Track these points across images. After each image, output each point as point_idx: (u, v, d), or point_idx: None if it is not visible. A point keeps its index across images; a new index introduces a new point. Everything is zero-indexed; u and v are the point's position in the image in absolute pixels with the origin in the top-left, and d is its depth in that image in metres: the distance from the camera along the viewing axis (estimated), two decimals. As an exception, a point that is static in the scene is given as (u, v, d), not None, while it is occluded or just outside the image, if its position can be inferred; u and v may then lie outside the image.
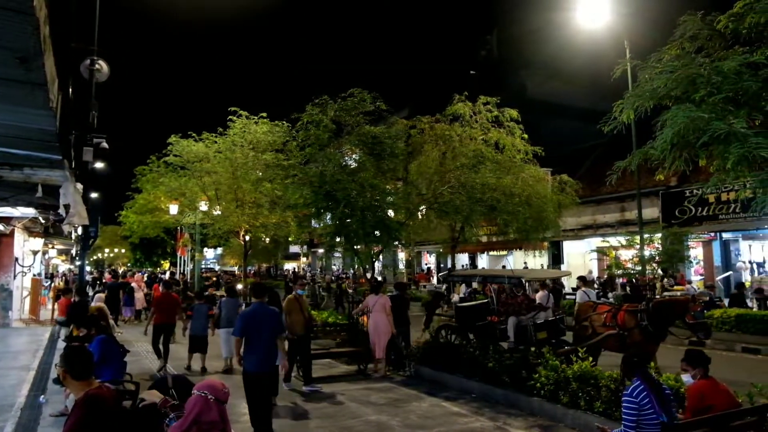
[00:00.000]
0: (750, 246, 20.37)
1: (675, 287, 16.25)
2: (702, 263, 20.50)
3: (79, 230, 13.28)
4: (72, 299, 12.82)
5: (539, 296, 11.00)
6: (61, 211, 8.35)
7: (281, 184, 16.07)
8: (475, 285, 16.70)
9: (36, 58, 4.35)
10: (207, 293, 14.49)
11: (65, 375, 3.41)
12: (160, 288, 17.49)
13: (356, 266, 18.33)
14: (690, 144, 5.49)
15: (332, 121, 13.08)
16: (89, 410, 3.30)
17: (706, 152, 5.63)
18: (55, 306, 19.26)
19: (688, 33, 6.12)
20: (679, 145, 5.58)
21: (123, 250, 59.77)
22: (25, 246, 18.29)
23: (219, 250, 49.83)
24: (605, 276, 21.71)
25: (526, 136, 15.98)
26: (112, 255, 65.65)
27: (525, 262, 25.72)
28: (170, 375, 3.94)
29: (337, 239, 13.41)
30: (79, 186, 10.53)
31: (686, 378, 4.83)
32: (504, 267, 25.12)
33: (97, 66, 10.12)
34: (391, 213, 13.51)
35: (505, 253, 27.65)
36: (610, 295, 17.98)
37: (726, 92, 5.28)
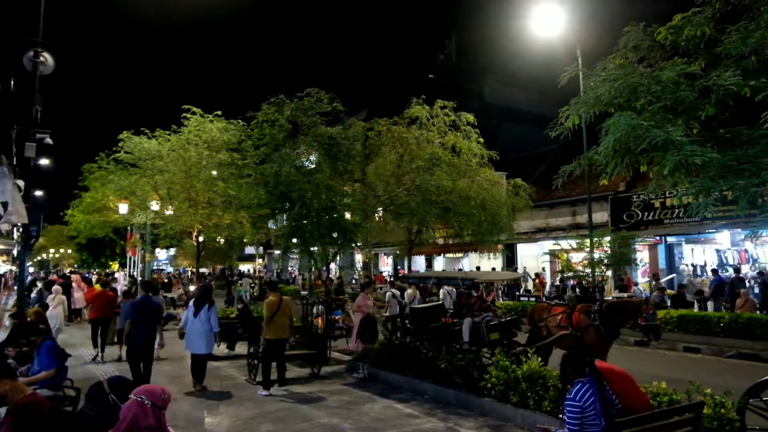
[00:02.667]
0: (692, 249, 21.28)
1: (667, 291, 16.63)
2: (648, 266, 21.27)
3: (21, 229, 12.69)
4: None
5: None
6: (-1, 209, 7.96)
7: (235, 183, 15.78)
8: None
9: (-33, 47, 4.13)
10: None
11: None
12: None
13: (312, 268, 18.09)
14: (631, 150, 5.69)
15: (288, 121, 12.93)
16: (21, 417, 3.18)
17: (647, 158, 5.84)
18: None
19: (631, 43, 6.34)
20: (620, 152, 5.76)
21: (69, 251, 57.44)
22: (-39, 246, 17.40)
23: (172, 251, 48.54)
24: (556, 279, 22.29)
25: (482, 140, 16.23)
26: (57, 255, 63.05)
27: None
28: (105, 380, 3.77)
29: (293, 240, 13.27)
30: (21, 183, 10.09)
31: None
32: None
33: (41, 58, 9.68)
34: (347, 215, 13.46)
35: (461, 255, 27.99)
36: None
37: (665, 101, 5.49)
